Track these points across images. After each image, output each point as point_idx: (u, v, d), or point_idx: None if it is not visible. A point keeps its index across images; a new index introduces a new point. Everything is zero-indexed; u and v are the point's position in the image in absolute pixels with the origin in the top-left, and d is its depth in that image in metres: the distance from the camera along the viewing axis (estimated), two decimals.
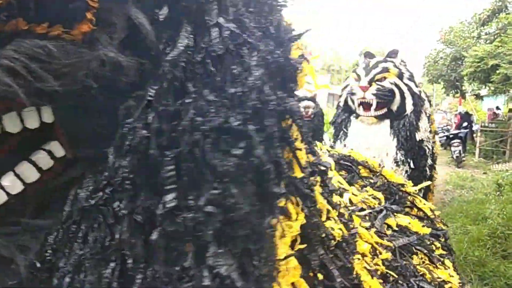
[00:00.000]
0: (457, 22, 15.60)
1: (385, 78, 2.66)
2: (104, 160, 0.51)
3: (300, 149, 0.63)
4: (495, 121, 13.41)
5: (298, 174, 0.61)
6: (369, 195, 1.19)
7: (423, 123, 2.72)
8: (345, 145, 2.77)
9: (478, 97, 16.50)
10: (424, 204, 1.39)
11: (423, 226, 1.16)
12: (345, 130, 2.89)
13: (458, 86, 15.77)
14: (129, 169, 0.49)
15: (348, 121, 2.89)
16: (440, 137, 14.07)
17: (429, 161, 2.86)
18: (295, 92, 0.65)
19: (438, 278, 0.94)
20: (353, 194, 1.12)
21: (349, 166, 1.32)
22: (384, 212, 1.05)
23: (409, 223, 1.09)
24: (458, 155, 10.55)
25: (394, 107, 2.69)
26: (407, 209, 1.27)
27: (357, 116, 2.83)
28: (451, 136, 11.42)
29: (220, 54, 0.52)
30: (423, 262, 0.98)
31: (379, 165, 1.44)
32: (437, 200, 3.27)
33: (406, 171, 2.61)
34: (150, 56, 0.52)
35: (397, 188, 1.32)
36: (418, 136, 2.64)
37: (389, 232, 1.00)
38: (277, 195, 0.55)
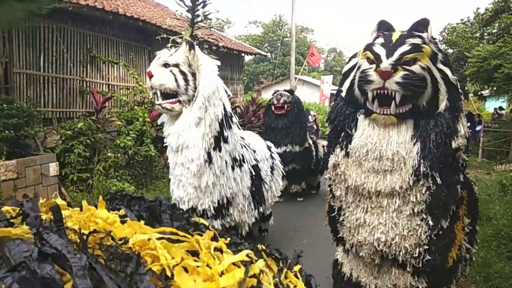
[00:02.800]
0: (459, 22, 15.59)
1: (415, 60, 1.88)
2: None
3: None
4: (498, 121, 13.37)
5: None
6: None
7: (462, 125, 1.99)
8: (347, 154, 2.07)
9: (481, 97, 16.45)
10: None
11: None
12: (348, 131, 2.07)
13: (460, 87, 15.73)
14: None
15: (353, 119, 2.08)
16: None
17: (461, 177, 2.11)
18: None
19: None
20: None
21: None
22: None
23: None
24: None
25: (423, 102, 1.92)
26: None
27: (369, 113, 1.98)
28: None
29: None
30: None
31: None
32: None
33: (429, 188, 1.94)
34: None
35: None
36: (455, 143, 1.92)
37: None
38: None
